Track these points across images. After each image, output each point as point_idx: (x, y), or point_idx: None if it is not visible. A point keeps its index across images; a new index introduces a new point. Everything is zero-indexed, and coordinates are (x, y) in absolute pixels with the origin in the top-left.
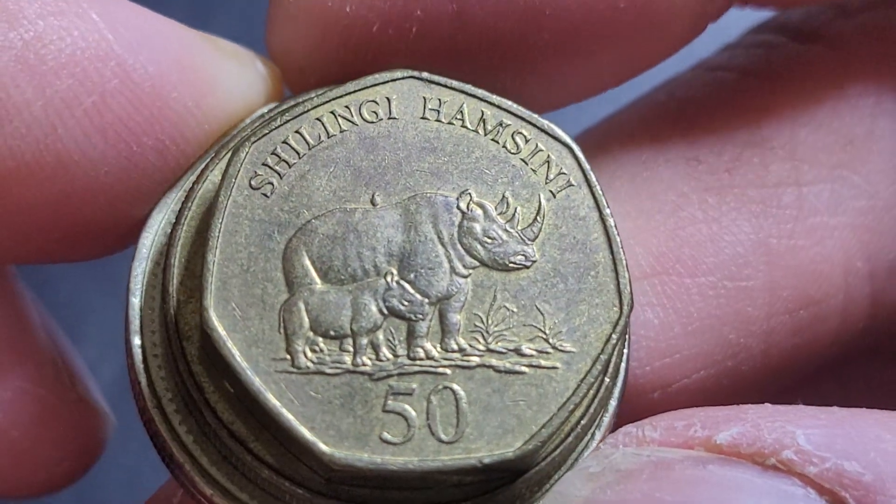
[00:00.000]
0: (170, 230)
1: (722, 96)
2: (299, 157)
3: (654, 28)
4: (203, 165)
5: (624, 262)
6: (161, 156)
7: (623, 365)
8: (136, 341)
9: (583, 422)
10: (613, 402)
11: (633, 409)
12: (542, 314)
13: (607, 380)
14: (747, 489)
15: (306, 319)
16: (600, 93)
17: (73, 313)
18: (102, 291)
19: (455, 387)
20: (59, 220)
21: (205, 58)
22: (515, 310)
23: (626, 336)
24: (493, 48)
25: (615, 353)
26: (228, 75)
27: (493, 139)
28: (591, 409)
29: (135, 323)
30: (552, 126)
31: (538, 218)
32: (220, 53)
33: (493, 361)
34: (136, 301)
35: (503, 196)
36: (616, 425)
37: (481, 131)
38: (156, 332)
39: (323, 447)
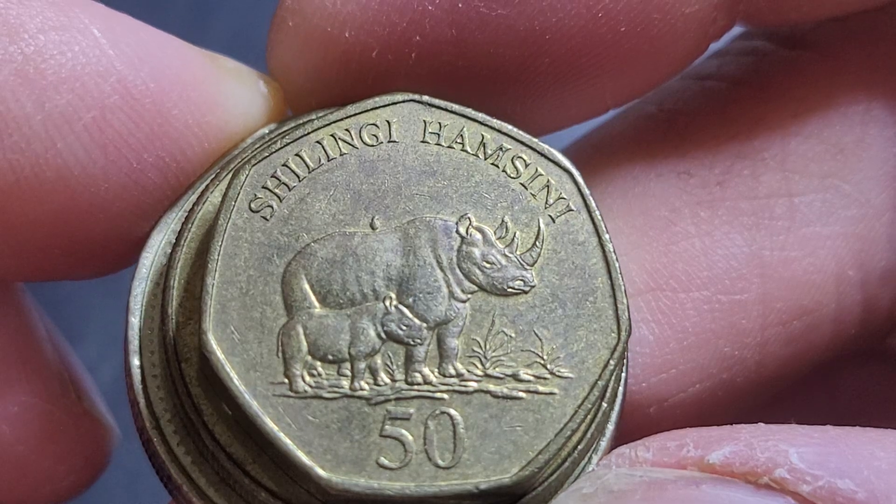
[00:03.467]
0: (170, 251)
1: (712, 107)
2: (299, 181)
3: (656, 51)
4: (203, 186)
5: (622, 287)
6: (161, 173)
7: (621, 389)
8: (135, 362)
9: (580, 447)
10: (611, 427)
11: (630, 424)
12: (540, 340)
13: (605, 405)
14: None
15: (304, 343)
16: (601, 115)
17: (73, 312)
18: (103, 291)
19: (452, 412)
20: (60, 237)
21: (206, 75)
22: (514, 335)
23: (624, 360)
24: (494, 73)
25: (613, 378)
26: (230, 93)
27: (493, 163)
28: (589, 434)
29: (134, 343)
30: (552, 151)
31: (537, 243)
32: (221, 71)
33: (491, 387)
34: (135, 321)
35: (502, 221)
36: (613, 448)
37: (481, 155)
38: (155, 352)
39: (320, 472)
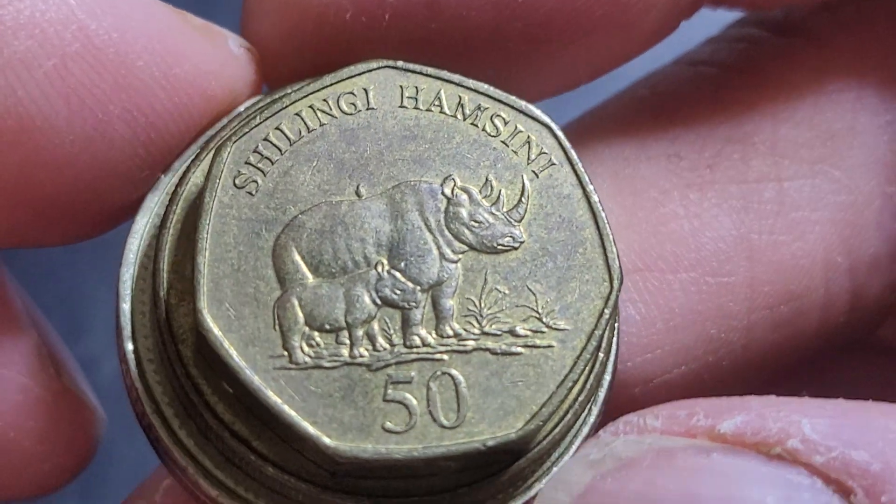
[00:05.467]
0: (156, 233)
1: (703, 91)
2: (281, 154)
3: (627, 18)
4: (184, 167)
5: (611, 237)
6: (128, 126)
7: (615, 340)
8: (129, 347)
9: (580, 398)
10: (608, 377)
11: (615, 404)
12: (533, 294)
13: (601, 355)
14: (752, 478)
15: (301, 315)
16: (574, 87)
17: (79, 306)
18: (109, 284)
19: (453, 372)
20: (25, 193)
21: (172, 29)
22: (507, 291)
23: (616, 311)
24: (467, 37)
25: (608, 327)
26: (198, 49)
27: (472, 123)
28: (588, 385)
29: (126, 329)
30: (529, 106)
31: (523, 199)
32: (188, 27)
33: (489, 344)
34: (126, 307)
35: (486, 179)
36: (610, 398)
37: (460, 116)
38: (149, 336)
39: (327, 441)
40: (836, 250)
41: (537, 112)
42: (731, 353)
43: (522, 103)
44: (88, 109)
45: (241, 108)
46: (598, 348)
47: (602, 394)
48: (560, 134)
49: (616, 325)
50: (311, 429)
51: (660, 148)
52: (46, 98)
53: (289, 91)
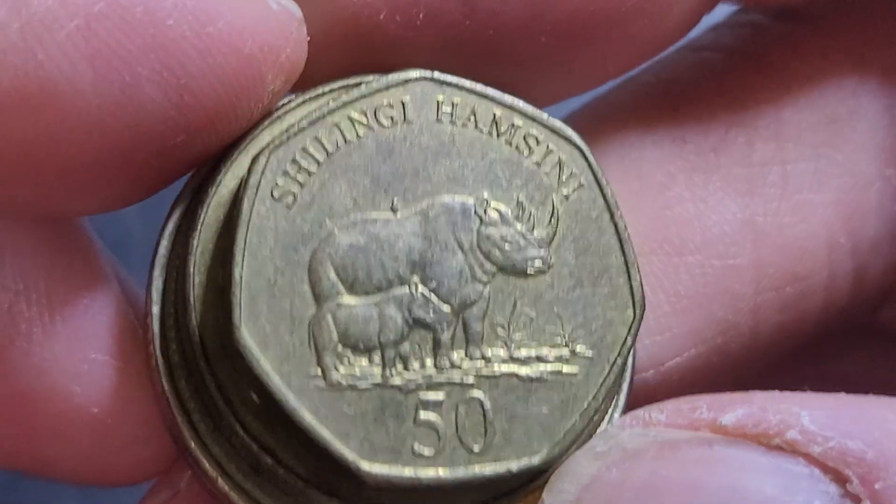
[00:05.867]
0: (185, 238)
1: (708, 77)
2: (318, 166)
3: (654, 11)
4: (213, 169)
5: (636, 263)
6: (160, 89)
7: (630, 360)
8: (159, 353)
9: (595, 418)
10: (622, 397)
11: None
12: (560, 319)
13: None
14: (752, 468)
15: (335, 333)
16: (602, 84)
17: None
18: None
19: (481, 396)
20: (54, 160)
21: None
22: (535, 316)
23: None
24: (501, 34)
25: (630, 354)
26: (233, 6)
27: (506, 141)
28: (603, 407)
29: (157, 334)
30: (563, 127)
31: (552, 221)
32: None
33: (517, 369)
34: (156, 310)
35: (518, 200)
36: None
37: (494, 133)
38: (178, 343)
39: (361, 464)
40: (839, 231)
41: (570, 132)
42: (739, 335)
43: (556, 123)
44: (115, 72)
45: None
46: (620, 375)
47: (622, 398)
48: (591, 156)
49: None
50: (345, 451)
51: (665, 132)
52: (70, 61)
53: (323, 95)
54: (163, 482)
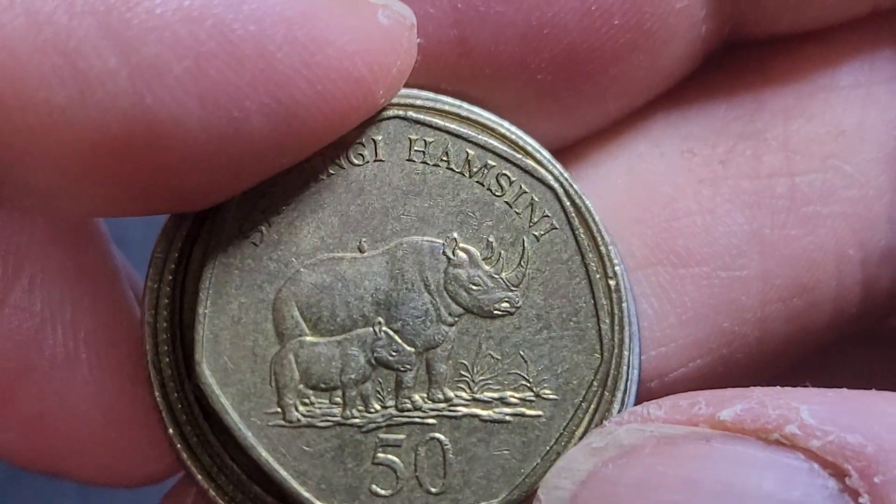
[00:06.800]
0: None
1: (716, 90)
2: (287, 205)
3: (651, 47)
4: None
5: (605, 307)
6: (268, 120)
7: (637, 371)
8: (152, 366)
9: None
10: (616, 407)
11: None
12: (525, 362)
13: (606, 394)
14: (750, 464)
15: (297, 372)
16: (606, 123)
17: None
18: None
19: (441, 437)
20: (159, 193)
21: (314, 10)
22: (500, 357)
23: (616, 377)
24: (497, 71)
25: (597, 398)
26: (342, 30)
27: (478, 181)
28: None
29: (150, 347)
30: (536, 167)
31: (522, 263)
32: (332, 3)
33: (479, 411)
34: (150, 320)
35: (488, 241)
36: None
37: (466, 173)
38: (171, 355)
39: (315, 502)
40: (847, 243)
41: (543, 173)
42: (745, 345)
43: (530, 163)
44: (223, 108)
45: None
46: (590, 419)
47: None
48: (563, 198)
49: (626, 385)
50: (300, 489)
51: (673, 144)
52: (177, 102)
53: None
54: (176, 489)
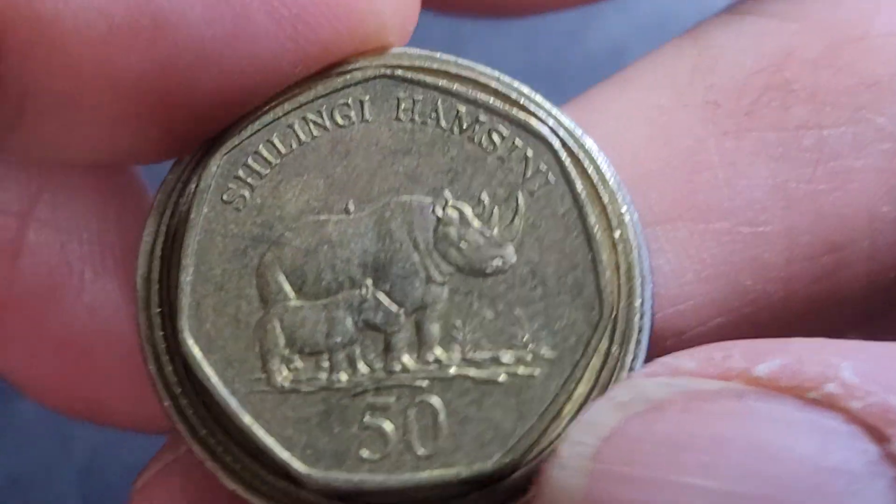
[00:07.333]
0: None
1: (744, 41)
2: (271, 168)
3: None
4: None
5: (604, 261)
6: (272, 19)
7: (648, 322)
8: (145, 337)
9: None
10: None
11: (648, 356)
12: (520, 320)
13: (615, 350)
14: (784, 424)
15: (281, 337)
16: None
17: None
18: None
19: (432, 399)
20: (169, 98)
21: None
22: (493, 317)
23: (620, 331)
24: None
25: (599, 354)
26: None
27: (468, 137)
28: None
29: (144, 325)
30: (530, 121)
31: (516, 218)
32: None
33: (471, 371)
34: (142, 294)
35: (479, 198)
36: None
37: (456, 130)
38: (162, 325)
39: (300, 468)
40: (881, 200)
41: (538, 126)
42: (769, 305)
43: (522, 117)
44: (225, 2)
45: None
46: (594, 378)
47: (639, 362)
48: (559, 150)
49: (633, 346)
50: (285, 455)
51: (697, 95)
52: None
53: (281, 99)
54: (168, 445)
